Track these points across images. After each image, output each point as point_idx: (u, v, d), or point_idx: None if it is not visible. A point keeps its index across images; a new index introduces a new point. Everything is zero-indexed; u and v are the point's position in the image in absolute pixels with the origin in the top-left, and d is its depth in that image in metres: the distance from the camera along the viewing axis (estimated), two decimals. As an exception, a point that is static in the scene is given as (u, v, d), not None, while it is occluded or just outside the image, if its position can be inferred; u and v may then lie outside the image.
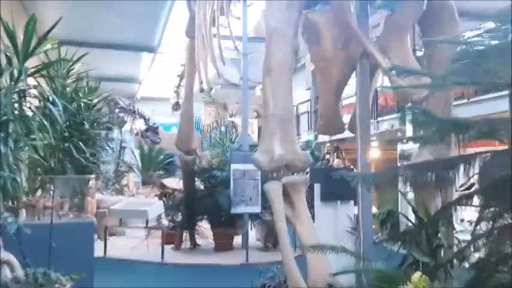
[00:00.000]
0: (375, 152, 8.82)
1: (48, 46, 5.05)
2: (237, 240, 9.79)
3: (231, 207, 8.95)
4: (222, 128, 21.26)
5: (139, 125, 14.93)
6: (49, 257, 4.61)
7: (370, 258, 3.74)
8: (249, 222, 9.64)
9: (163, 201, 11.59)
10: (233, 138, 13.23)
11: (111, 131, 12.31)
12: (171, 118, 23.38)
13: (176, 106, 19.34)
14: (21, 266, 4.21)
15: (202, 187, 9.95)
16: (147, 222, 8.54)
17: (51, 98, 5.44)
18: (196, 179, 9.87)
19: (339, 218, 5.29)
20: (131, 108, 13.98)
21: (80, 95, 7.50)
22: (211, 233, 9.89)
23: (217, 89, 21.25)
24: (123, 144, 15.71)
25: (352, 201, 5.39)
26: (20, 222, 4.31)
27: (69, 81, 7.26)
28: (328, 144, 15.02)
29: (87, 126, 7.38)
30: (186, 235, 9.95)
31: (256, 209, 9.26)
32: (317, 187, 5.36)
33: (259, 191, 9.26)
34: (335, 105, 4.79)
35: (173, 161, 16.92)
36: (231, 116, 24.76)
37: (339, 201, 5.34)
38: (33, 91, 5.00)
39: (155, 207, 8.55)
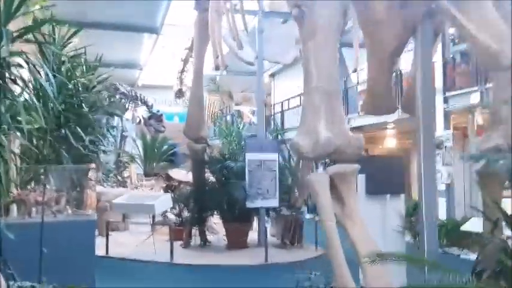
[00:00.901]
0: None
1: (37, 7, 4.19)
2: (250, 236, 9.01)
3: (246, 201, 8.14)
4: (228, 117, 20.44)
5: (142, 112, 14.08)
6: (40, 264, 3.82)
7: (441, 266, 2.94)
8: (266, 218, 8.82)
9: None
10: (240, 127, 12.44)
11: (112, 118, 11.50)
12: (174, 107, 22.56)
13: (179, 93, 18.45)
14: (4, 277, 3.41)
15: (213, 179, 9.12)
16: (153, 217, 7.73)
17: (43, 72, 4.61)
18: (206, 169, 9.04)
19: (387, 215, 4.47)
20: (133, 94, 13.13)
21: (77, 74, 6.67)
22: (224, 229, 9.09)
23: (222, 76, 20.47)
24: (124, 133, 14.88)
25: (402, 195, 4.57)
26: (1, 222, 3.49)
27: (64, 58, 6.43)
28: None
29: (85, 109, 6.55)
30: (194, 231, 9.18)
31: (274, 202, 8.46)
32: (361, 178, 4.54)
33: (277, 183, 8.47)
34: (387, 79, 3.94)
35: (176, 151, 16.13)
36: (236, 104, 23.93)
37: (388, 195, 4.52)
38: (22, 63, 4.15)
39: (162, 201, 7.74)
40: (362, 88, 14.53)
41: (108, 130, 8.57)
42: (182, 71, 17.42)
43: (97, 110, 7.23)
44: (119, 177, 12.49)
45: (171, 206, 8.26)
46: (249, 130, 13.48)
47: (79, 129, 6.25)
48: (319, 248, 8.59)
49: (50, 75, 4.38)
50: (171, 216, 10.20)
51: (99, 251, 7.89)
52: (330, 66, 3.56)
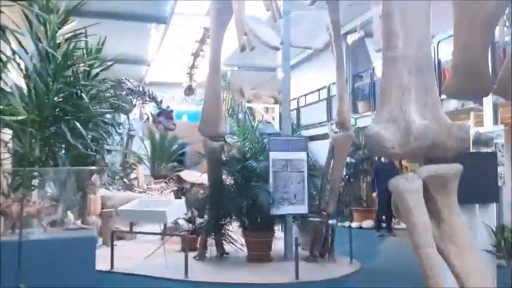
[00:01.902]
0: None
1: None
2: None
3: (270, 207, 7.12)
4: (240, 115, 19.44)
5: (150, 109, 13.09)
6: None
7: None
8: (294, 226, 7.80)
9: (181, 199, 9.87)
10: (254, 125, 11.42)
11: (118, 113, 10.52)
12: (183, 105, 21.58)
13: (189, 90, 17.49)
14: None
15: (231, 181, 8.11)
16: (164, 226, 6.72)
17: (32, 48, 3.64)
18: (224, 170, 8.03)
19: (476, 230, 3.44)
20: (140, 89, 12.15)
21: (76, 58, 5.70)
22: (243, 238, 8.06)
23: (233, 72, 19.47)
24: (131, 132, 13.92)
25: (494, 205, 3.54)
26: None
27: (60, 39, 5.46)
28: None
29: (86, 101, 5.57)
30: (210, 241, 8.18)
31: (303, 209, 7.45)
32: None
33: (305, 186, 7.44)
34: (482, 50, 2.90)
35: (186, 151, 15.15)
36: (248, 102, 22.91)
37: (477, 205, 3.50)
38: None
39: (175, 207, 6.74)
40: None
41: (113, 127, 7.59)
42: (192, 66, 16.45)
43: (100, 102, 6.24)
44: (125, 180, 11.51)
45: (185, 213, 7.26)
46: (263, 129, 12.49)
47: (78, 124, 5.26)
48: (355, 261, 7.57)
49: (39, 49, 3.40)
50: (182, 222, 9.28)
51: (103, 264, 6.96)
52: (420, 26, 2.54)
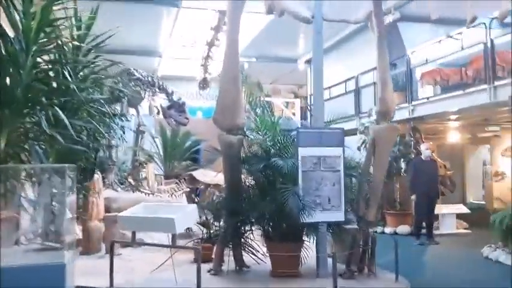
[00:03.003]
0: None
1: None
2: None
3: (300, 214, 5.95)
4: (258, 110, 18.23)
5: (161, 102, 12.00)
6: None
7: None
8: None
9: (195, 202, 8.79)
10: (275, 120, 10.24)
11: (120, 103, 9.48)
12: (197, 100, 20.52)
13: (204, 83, 16.38)
14: None
15: (252, 182, 6.97)
16: (173, 237, 5.61)
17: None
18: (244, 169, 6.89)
19: None
20: (149, 79, 11.08)
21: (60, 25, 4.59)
22: (266, 249, 6.91)
23: (250, 64, 18.29)
24: (141, 128, 12.87)
25: None
26: None
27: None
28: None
29: (72, 81, 4.48)
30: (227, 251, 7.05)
31: (339, 216, 6.27)
32: None
33: (342, 188, 6.26)
34: None
35: (200, 149, 14.08)
36: (266, 96, 21.72)
37: None
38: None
39: (186, 214, 5.62)
40: (426, 69, 12.27)
41: (112, 118, 6.49)
42: (207, 57, 15.34)
43: (96, 87, 5.13)
44: (130, 180, 10.45)
45: (197, 220, 6.13)
46: (283, 125, 11.32)
47: (59, 112, 4.15)
48: (402, 278, 6.37)
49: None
50: (195, 227, 8.19)
51: (102, 280, 5.92)
52: None
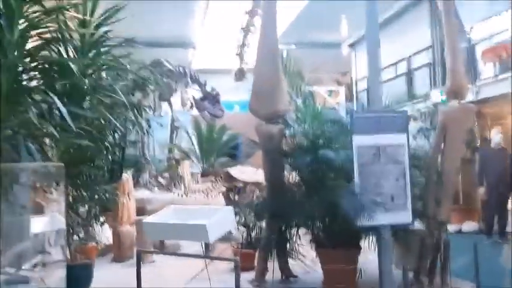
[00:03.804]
0: None
1: None
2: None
3: (357, 216, 4.95)
4: (299, 101, 17.20)
5: (194, 93, 11.22)
6: None
7: None
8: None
9: (233, 201, 7.94)
10: (318, 110, 9.22)
11: (145, 94, 8.73)
12: (234, 94, 19.66)
13: (240, 74, 15.41)
14: None
15: (297, 178, 6.03)
16: (207, 246, 4.75)
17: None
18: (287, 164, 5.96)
19: None
20: (181, 70, 10.32)
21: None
22: (317, 256, 5.96)
23: (289, 51, 17.26)
24: (176, 124, 12.17)
25: None
26: None
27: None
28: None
29: (69, 60, 3.68)
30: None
31: (405, 217, 5.21)
32: None
33: (407, 183, 5.20)
34: None
35: (239, 144, 13.25)
36: (308, 85, 20.64)
37: None
38: None
39: (221, 217, 4.75)
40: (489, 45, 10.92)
41: (135, 110, 5.68)
42: (243, 45, 14.42)
43: (106, 70, 4.32)
44: (161, 180, 9.72)
45: (235, 225, 5.25)
46: (328, 115, 10.28)
47: (55, 98, 3.34)
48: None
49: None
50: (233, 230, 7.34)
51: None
52: None
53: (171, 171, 12.73)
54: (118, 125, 4.43)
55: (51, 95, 3.22)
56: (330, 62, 18.54)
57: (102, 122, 4.71)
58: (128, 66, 4.61)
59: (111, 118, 4.21)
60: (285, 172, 5.97)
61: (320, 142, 5.61)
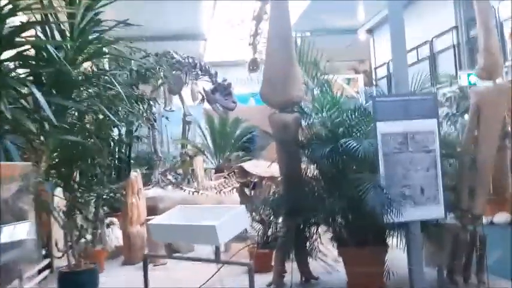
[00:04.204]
0: None
1: None
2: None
3: (384, 212, 4.48)
4: (315, 91, 16.66)
5: (204, 86, 10.79)
6: None
7: None
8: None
9: (248, 199, 7.52)
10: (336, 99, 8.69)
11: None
12: (249, 87, 19.19)
13: (253, 65, 14.94)
14: None
15: (316, 172, 5.57)
16: (217, 250, 4.34)
17: None
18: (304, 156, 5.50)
19: None
20: (190, 61, 9.90)
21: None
22: (340, 256, 5.50)
23: (303, 39, 16.71)
24: (187, 118, 11.77)
25: None
26: None
27: None
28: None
29: (46, 43, 3.26)
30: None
31: (437, 211, 4.72)
32: None
33: (439, 174, 4.71)
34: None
35: (254, 137, 12.79)
36: (323, 74, 20.06)
37: None
38: None
39: (232, 218, 4.31)
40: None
41: (139, 103, 5.30)
42: (255, 34, 13.93)
43: (99, 55, 3.92)
44: (170, 177, 9.34)
45: (248, 226, 4.82)
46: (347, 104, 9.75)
47: (30, 85, 2.93)
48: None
49: None
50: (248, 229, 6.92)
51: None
52: None
53: (184, 168, 12.38)
54: (115, 119, 4.01)
55: (28, 83, 2.82)
56: (346, 50, 17.94)
57: (101, 116, 4.32)
58: (127, 54, 4.19)
59: (106, 111, 3.79)
60: (302, 165, 5.51)
61: (340, 131, 5.13)
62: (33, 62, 3.24)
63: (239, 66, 16.47)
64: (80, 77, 3.54)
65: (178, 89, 10.17)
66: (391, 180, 4.59)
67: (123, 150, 6.39)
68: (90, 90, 3.74)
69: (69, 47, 3.36)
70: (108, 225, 6.81)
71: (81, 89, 3.64)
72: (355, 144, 4.65)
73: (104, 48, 3.97)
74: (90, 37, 3.62)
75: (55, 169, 3.30)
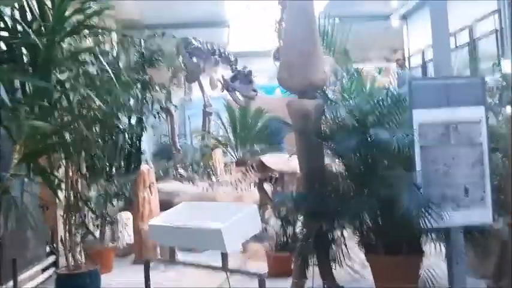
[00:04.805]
0: None
1: None
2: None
3: (419, 214, 3.84)
4: (345, 80, 15.88)
5: (224, 74, 10.25)
6: None
7: None
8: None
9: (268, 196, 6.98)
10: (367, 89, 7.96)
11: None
12: (274, 77, 18.56)
13: (278, 54, 14.36)
14: None
15: (341, 167, 4.94)
16: (224, 257, 3.78)
17: None
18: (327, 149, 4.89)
19: None
20: (208, 47, 9.36)
21: None
22: (369, 264, 4.87)
23: (332, 26, 15.94)
24: (207, 109, 11.28)
25: None
26: None
27: None
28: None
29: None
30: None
31: (483, 215, 4.03)
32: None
33: (487, 171, 4.02)
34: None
35: (278, 129, 12.18)
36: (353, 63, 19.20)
37: None
38: None
39: (241, 220, 3.75)
40: None
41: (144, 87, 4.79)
42: (280, 20, 13.28)
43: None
44: (181, 171, 8.85)
45: (259, 229, 4.23)
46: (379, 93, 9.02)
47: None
48: None
49: None
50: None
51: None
52: None
53: (204, 161, 11.92)
54: (101, 104, 3.48)
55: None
56: (378, 37, 17.08)
57: (97, 102, 3.81)
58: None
59: (91, 94, 3.27)
60: (325, 159, 4.88)
61: (370, 120, 4.48)
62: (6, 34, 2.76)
63: (265, 56, 15.87)
64: (60, 55, 3.03)
65: (195, 77, 9.65)
66: (429, 179, 3.94)
67: (128, 141, 5.90)
68: (74, 72, 3.23)
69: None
70: (111, 222, 6.36)
71: (63, 68, 3.14)
72: (386, 136, 4.00)
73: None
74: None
75: (28, 161, 2.80)
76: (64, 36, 3.04)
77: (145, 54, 5.33)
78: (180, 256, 6.38)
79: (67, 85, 3.12)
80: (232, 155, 11.36)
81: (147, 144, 12.28)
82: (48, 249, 6.09)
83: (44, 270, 5.83)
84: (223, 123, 11.62)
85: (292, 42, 4.62)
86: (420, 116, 3.98)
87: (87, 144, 3.77)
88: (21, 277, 4.96)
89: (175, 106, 8.74)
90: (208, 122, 11.67)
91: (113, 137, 5.08)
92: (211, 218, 4.06)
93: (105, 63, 3.34)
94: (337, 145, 4.62)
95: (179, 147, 11.22)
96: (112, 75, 3.46)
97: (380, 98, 4.61)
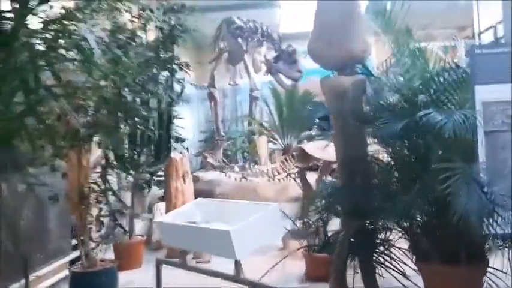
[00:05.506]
0: None
1: None
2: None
3: (482, 217, 3.05)
4: (407, 62, 14.61)
5: (266, 54, 9.58)
6: None
7: None
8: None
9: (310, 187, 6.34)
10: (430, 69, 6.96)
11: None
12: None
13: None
14: None
15: (387, 156, 4.20)
16: (237, 265, 3.17)
17: None
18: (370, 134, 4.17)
19: None
20: (251, 26, 8.73)
21: None
22: (420, 272, 4.10)
23: (393, 5, 14.76)
24: (254, 94, 10.70)
25: None
26: None
27: None
28: None
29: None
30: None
31: None
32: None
33: None
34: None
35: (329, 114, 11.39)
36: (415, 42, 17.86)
37: None
38: None
39: (257, 221, 3.13)
40: None
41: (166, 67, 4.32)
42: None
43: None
44: (210, 160, 8.30)
45: (282, 232, 3.58)
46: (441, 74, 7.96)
47: None
48: None
49: None
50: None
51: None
52: None
53: (250, 148, 11.41)
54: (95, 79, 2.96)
55: None
56: (444, 16, 15.69)
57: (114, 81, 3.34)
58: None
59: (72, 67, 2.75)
60: (368, 147, 4.15)
61: (420, 99, 3.69)
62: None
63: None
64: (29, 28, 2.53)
65: (239, 59, 9.07)
66: (495, 173, 3.13)
67: (151, 128, 5.42)
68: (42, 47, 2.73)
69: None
70: (136, 215, 5.95)
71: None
72: (440, 118, 3.21)
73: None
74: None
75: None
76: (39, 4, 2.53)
77: (164, 29, 4.81)
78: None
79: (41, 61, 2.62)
80: (278, 143, 10.72)
81: (192, 131, 11.92)
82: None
83: (72, 263, 5.54)
84: (269, 109, 11.01)
85: (326, 7, 3.89)
86: (484, 93, 3.17)
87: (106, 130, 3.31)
88: (44, 271, 4.70)
89: (195, 85, 8.16)
90: (255, 107, 11.09)
91: (134, 122, 4.59)
92: (224, 216, 3.48)
93: (93, 40, 2.79)
94: (381, 130, 3.86)
95: (222, 134, 10.74)
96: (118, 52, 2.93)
97: (435, 72, 3.81)
